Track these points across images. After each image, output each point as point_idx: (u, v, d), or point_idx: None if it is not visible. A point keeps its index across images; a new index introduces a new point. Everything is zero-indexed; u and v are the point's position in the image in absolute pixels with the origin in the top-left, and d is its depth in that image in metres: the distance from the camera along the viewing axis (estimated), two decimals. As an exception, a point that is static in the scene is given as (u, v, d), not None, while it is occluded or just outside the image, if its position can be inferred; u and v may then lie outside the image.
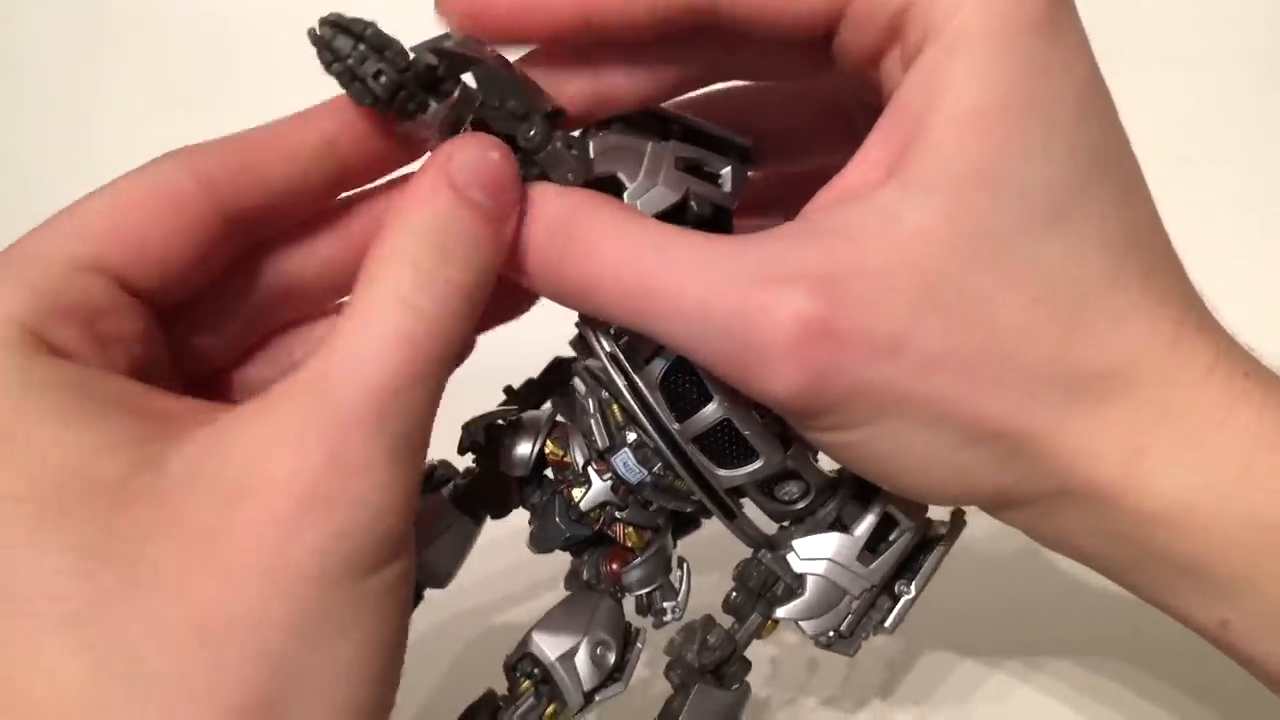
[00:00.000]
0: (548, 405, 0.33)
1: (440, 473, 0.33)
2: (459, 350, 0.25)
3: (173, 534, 0.21)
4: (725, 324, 0.25)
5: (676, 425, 0.28)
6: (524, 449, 0.31)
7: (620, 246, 0.26)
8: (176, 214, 0.24)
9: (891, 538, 0.30)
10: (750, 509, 0.30)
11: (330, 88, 0.26)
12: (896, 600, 0.30)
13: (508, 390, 0.34)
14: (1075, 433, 0.26)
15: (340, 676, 0.22)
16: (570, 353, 0.32)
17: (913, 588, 0.30)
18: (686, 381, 0.28)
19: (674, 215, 0.29)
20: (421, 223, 0.24)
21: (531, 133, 0.27)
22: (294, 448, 0.22)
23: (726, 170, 0.30)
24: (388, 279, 0.23)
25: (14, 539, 0.21)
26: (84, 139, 0.79)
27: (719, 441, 0.28)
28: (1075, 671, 0.44)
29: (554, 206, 0.27)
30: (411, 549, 0.24)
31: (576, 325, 0.30)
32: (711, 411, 0.28)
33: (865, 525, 0.30)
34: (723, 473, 0.28)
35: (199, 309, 0.27)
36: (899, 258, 0.25)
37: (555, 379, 0.35)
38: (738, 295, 0.25)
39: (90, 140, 0.78)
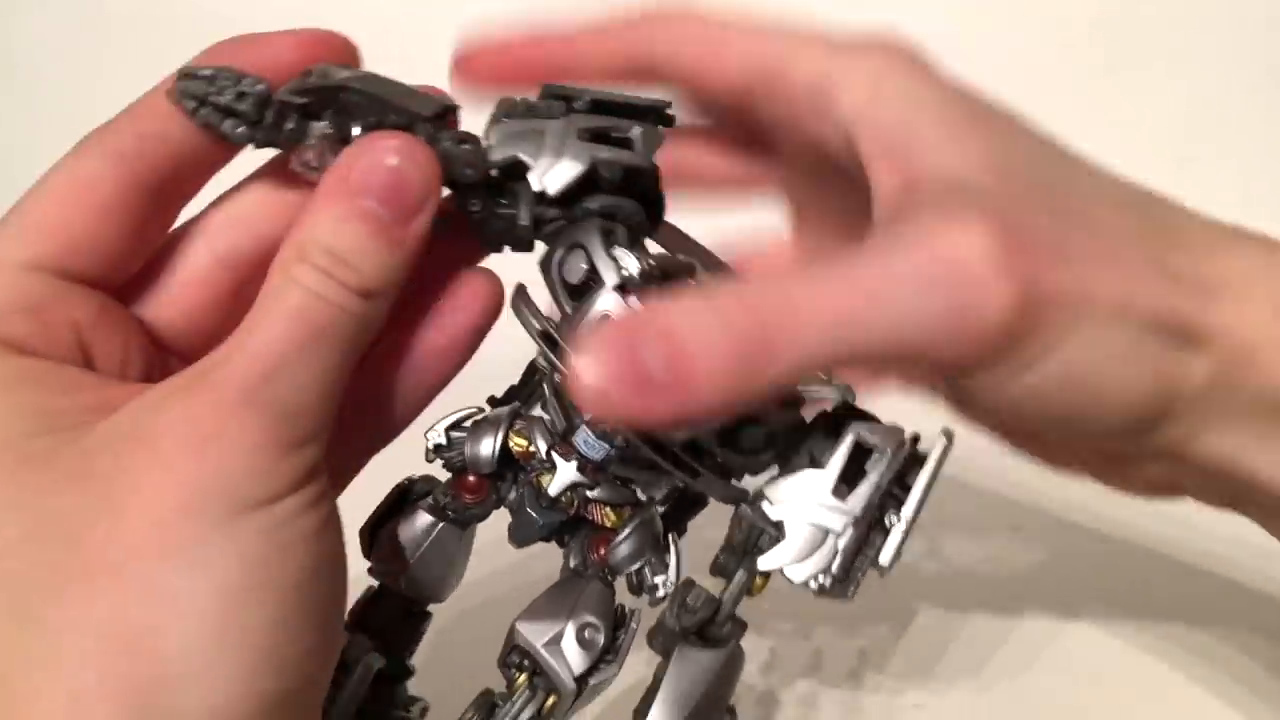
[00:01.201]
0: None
1: (420, 487, 0.33)
2: (362, 337, 0.26)
3: (76, 486, 0.23)
4: (931, 290, 0.25)
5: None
6: (486, 445, 0.30)
7: (809, 316, 0.25)
8: (94, 197, 0.27)
9: (867, 466, 0.29)
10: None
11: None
12: (888, 533, 0.29)
13: (491, 400, 0.34)
14: (1220, 309, 0.28)
15: (221, 603, 0.23)
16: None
17: (901, 517, 0.29)
18: None
19: (586, 185, 0.29)
20: (316, 232, 0.26)
21: (477, 146, 0.27)
22: (183, 402, 0.24)
23: (636, 131, 0.30)
24: (285, 276, 0.25)
25: None
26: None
27: (661, 396, 0.27)
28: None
29: (716, 331, 0.24)
30: (313, 490, 0.25)
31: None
32: None
33: (837, 457, 0.28)
34: (670, 427, 0.28)
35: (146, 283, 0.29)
36: (1009, 197, 0.27)
37: (535, 381, 0.34)
38: (929, 263, 0.25)
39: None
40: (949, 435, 0.30)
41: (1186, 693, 0.41)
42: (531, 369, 0.34)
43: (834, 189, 0.33)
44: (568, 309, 0.28)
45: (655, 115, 0.30)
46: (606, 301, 0.27)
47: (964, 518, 0.37)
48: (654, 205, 0.31)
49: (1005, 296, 0.25)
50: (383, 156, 0.26)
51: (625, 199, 0.30)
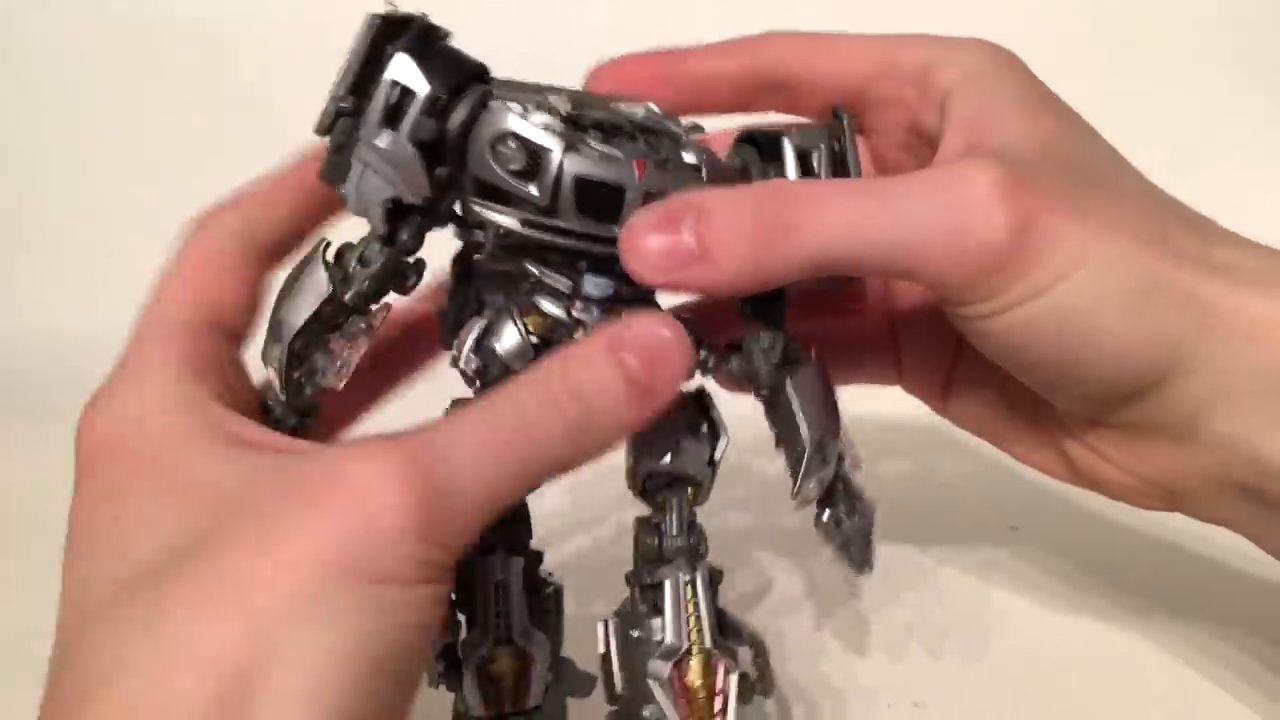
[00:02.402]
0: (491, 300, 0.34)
1: None
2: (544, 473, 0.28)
3: (232, 516, 0.25)
4: (938, 206, 0.29)
5: (617, 229, 0.30)
6: (510, 335, 0.32)
7: (827, 209, 0.29)
8: (230, 269, 0.31)
9: None
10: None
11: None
12: None
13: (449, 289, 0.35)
14: (1228, 290, 0.30)
15: (316, 663, 0.24)
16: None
17: None
18: (598, 190, 0.29)
19: (435, 146, 0.30)
20: (569, 362, 0.28)
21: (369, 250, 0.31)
22: (358, 463, 0.25)
23: (390, 63, 0.30)
24: (519, 384, 0.28)
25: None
26: (89, 140, 0.78)
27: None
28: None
29: (743, 212, 0.29)
30: (439, 589, 0.26)
31: (472, 226, 0.31)
32: (631, 198, 0.29)
33: None
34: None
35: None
36: (1040, 165, 0.30)
37: (466, 270, 0.35)
38: (941, 185, 0.29)
39: (94, 141, 0.78)
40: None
41: (1187, 690, 0.42)
42: (461, 259, 0.35)
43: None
44: (534, 191, 0.30)
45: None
46: (574, 165, 0.29)
47: (964, 517, 0.38)
48: (481, 72, 0.31)
49: (1000, 220, 0.29)
50: (657, 326, 0.28)
51: (462, 98, 0.30)
